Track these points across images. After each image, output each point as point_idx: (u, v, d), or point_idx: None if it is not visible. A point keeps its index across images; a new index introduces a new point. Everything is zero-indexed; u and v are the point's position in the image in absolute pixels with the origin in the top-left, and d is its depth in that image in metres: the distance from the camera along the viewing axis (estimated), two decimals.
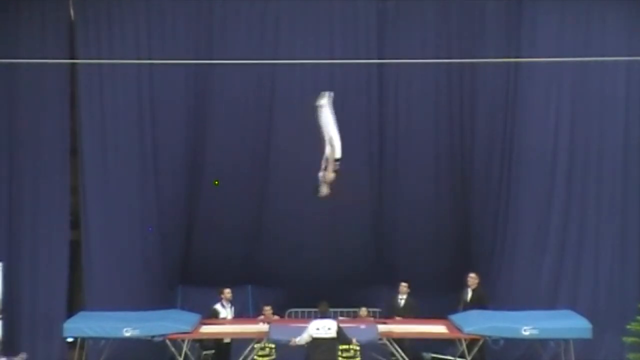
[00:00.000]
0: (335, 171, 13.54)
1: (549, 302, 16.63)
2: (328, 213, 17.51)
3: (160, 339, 14.60)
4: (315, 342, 14.00)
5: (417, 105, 17.38)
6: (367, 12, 17.21)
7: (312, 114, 17.11)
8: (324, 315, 14.39)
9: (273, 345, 15.63)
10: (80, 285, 17.24)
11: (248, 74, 17.11)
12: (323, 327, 14.03)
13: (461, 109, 17.42)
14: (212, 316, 16.09)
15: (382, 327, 15.20)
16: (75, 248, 17.21)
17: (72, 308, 16.78)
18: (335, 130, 13.53)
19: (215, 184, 17.55)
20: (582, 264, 17.04)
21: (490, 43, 17.04)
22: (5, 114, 16.86)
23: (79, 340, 14.91)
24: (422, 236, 17.62)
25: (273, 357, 15.88)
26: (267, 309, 16.43)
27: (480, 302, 16.16)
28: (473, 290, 16.38)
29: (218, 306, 16.29)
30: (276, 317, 16.43)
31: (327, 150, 13.48)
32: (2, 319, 15.95)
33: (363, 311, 16.81)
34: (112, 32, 16.88)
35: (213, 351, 16.34)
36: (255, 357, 15.55)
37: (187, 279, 17.85)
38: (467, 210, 17.66)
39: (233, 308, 16.51)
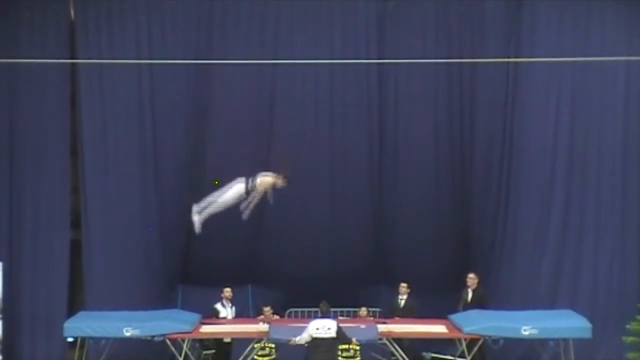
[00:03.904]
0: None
1: (549, 302, 16.62)
2: (328, 213, 17.57)
3: (161, 338, 14.59)
4: (315, 342, 14.00)
5: (417, 105, 17.39)
6: (367, 12, 17.22)
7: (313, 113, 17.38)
8: (324, 315, 14.39)
9: (273, 345, 15.66)
10: (80, 285, 17.23)
11: (248, 74, 17.12)
12: (323, 327, 14.03)
13: (461, 109, 17.44)
14: (212, 315, 16.11)
15: (382, 327, 15.19)
16: (75, 248, 17.21)
17: (73, 308, 16.78)
18: None
19: (215, 184, 17.54)
20: (581, 263, 17.03)
21: (490, 43, 17.05)
22: (5, 114, 16.85)
23: (79, 340, 14.89)
24: (422, 236, 17.63)
25: (273, 356, 15.90)
26: (267, 310, 16.43)
27: (480, 302, 16.16)
28: (473, 291, 16.38)
29: (218, 305, 16.32)
30: (276, 317, 16.44)
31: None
32: (2, 319, 15.95)
33: (363, 311, 16.82)
34: (112, 32, 16.88)
35: (213, 351, 16.37)
36: (256, 356, 15.57)
37: (187, 278, 17.86)
38: (467, 210, 17.67)
39: (234, 308, 16.53)
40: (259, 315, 16.62)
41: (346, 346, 15.27)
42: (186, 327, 14.83)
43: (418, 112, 17.43)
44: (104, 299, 16.53)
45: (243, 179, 15.16)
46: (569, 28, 16.92)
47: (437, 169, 17.59)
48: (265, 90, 17.36)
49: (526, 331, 14.46)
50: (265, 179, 15.11)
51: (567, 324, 14.79)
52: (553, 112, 17.09)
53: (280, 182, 15.11)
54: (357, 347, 15.63)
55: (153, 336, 14.59)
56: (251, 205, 15.09)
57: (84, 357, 14.98)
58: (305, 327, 14.22)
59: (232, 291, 16.51)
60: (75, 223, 17.27)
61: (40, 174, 16.92)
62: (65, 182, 17.12)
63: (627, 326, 15.65)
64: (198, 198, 15.42)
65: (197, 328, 15.15)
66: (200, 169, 17.60)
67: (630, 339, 15.59)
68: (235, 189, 15.14)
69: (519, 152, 17.17)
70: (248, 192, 15.10)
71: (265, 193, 15.16)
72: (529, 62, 16.69)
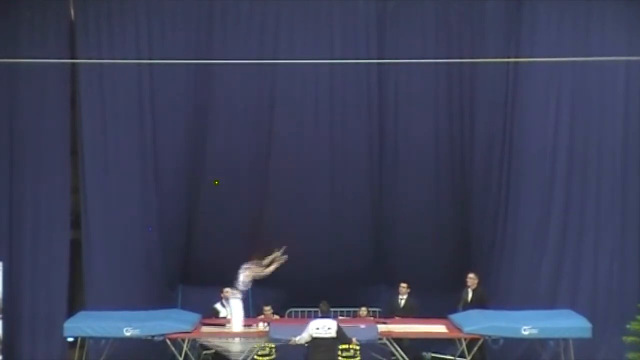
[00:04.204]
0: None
1: (549, 302, 16.63)
2: (328, 213, 17.57)
3: (161, 338, 14.59)
4: (315, 341, 14.01)
5: (417, 105, 17.39)
6: (367, 12, 17.22)
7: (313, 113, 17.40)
8: (324, 315, 14.40)
9: (273, 345, 15.65)
10: (80, 284, 17.23)
11: (248, 74, 17.13)
12: (323, 327, 14.04)
13: (461, 109, 17.44)
14: (212, 315, 16.12)
15: (382, 327, 15.20)
16: (75, 247, 17.22)
17: (73, 307, 16.78)
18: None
19: (215, 183, 17.57)
20: (581, 263, 17.03)
21: (490, 43, 17.06)
22: (6, 114, 16.86)
23: (79, 339, 14.90)
24: (422, 236, 17.63)
25: (273, 356, 15.89)
26: (267, 309, 16.46)
27: (480, 302, 16.18)
28: (473, 291, 16.40)
29: (218, 305, 16.33)
30: (276, 317, 16.44)
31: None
32: (2, 318, 15.95)
33: (363, 311, 16.82)
34: (112, 32, 16.88)
35: (213, 351, 16.35)
36: (256, 356, 15.56)
37: (187, 278, 17.89)
38: (467, 210, 17.67)
39: None
40: (259, 315, 16.62)
41: (346, 346, 15.25)
42: (186, 327, 14.83)
43: (418, 112, 17.43)
44: (104, 299, 16.52)
45: (230, 291, 15.31)
46: (569, 28, 16.92)
47: (437, 169, 17.59)
48: (265, 90, 17.36)
49: (526, 331, 14.46)
50: (246, 273, 15.28)
51: (567, 324, 14.79)
52: (553, 112, 17.10)
53: (260, 269, 15.29)
54: (357, 347, 15.62)
55: (153, 336, 14.59)
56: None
57: (84, 357, 14.97)
58: (305, 326, 14.22)
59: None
60: (75, 223, 17.28)
61: (40, 174, 16.92)
62: (65, 182, 17.12)
63: (627, 326, 15.64)
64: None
65: (197, 328, 15.15)
66: (200, 169, 17.60)
67: (630, 339, 15.58)
68: (235, 304, 15.27)
69: (519, 152, 17.17)
70: (240, 289, 15.25)
71: (257, 277, 15.39)
72: (529, 62, 16.69)
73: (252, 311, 17.44)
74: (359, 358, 15.84)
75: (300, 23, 17.21)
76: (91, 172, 17.04)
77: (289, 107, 17.38)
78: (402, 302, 16.74)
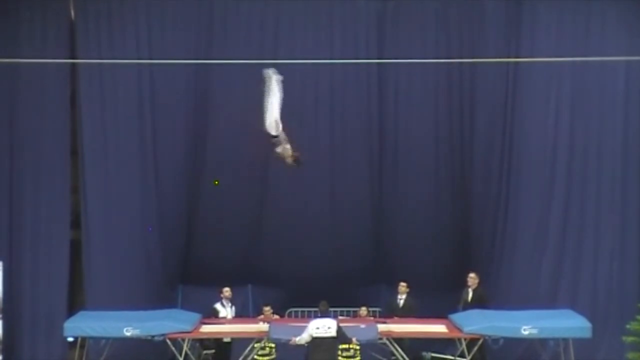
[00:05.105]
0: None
1: (549, 302, 16.63)
2: (328, 213, 17.58)
3: (161, 338, 14.60)
4: (315, 341, 14.01)
5: (417, 105, 17.41)
6: (367, 12, 17.24)
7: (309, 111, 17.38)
8: (324, 315, 14.40)
9: (273, 345, 15.65)
10: (80, 284, 17.24)
11: (248, 74, 17.09)
12: (323, 327, 14.05)
13: (461, 108, 17.45)
14: (211, 315, 16.12)
15: (382, 327, 15.19)
16: (75, 247, 17.22)
17: (73, 307, 16.80)
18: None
19: (215, 184, 17.58)
20: (581, 263, 17.04)
21: (490, 43, 17.07)
22: (6, 114, 16.86)
23: (79, 339, 14.92)
24: (422, 236, 17.65)
25: (273, 356, 15.90)
26: (267, 309, 16.44)
27: (481, 302, 16.17)
28: (474, 290, 16.39)
29: (218, 305, 16.34)
30: (276, 317, 16.44)
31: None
32: (2, 318, 15.94)
33: (363, 311, 16.81)
34: (112, 32, 16.89)
35: (213, 350, 16.39)
36: (256, 356, 15.57)
37: (187, 278, 17.89)
38: (467, 210, 17.68)
39: (233, 307, 16.55)
40: (259, 315, 16.63)
41: (346, 346, 15.26)
42: (186, 327, 14.83)
43: (418, 112, 17.44)
44: (104, 299, 16.52)
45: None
46: (569, 28, 16.93)
47: (437, 169, 17.60)
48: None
49: (526, 331, 14.47)
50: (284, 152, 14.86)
51: (567, 323, 14.81)
52: (553, 112, 17.10)
53: (291, 158, 14.89)
54: (357, 347, 15.62)
55: (153, 336, 14.60)
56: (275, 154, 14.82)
57: (84, 357, 14.99)
58: (305, 326, 14.22)
59: (231, 291, 16.52)
60: (75, 223, 17.28)
61: (40, 174, 16.92)
62: (65, 182, 17.12)
63: (627, 326, 15.63)
64: None
65: (197, 328, 15.15)
66: (200, 169, 17.61)
67: (630, 339, 15.57)
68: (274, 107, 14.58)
69: (519, 152, 17.17)
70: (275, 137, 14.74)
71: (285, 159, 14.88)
72: (529, 62, 16.69)
73: (252, 311, 17.51)
74: (359, 358, 15.85)
75: (300, 23, 17.22)
76: (91, 172, 17.05)
77: (289, 107, 17.35)
78: (401, 302, 16.72)
